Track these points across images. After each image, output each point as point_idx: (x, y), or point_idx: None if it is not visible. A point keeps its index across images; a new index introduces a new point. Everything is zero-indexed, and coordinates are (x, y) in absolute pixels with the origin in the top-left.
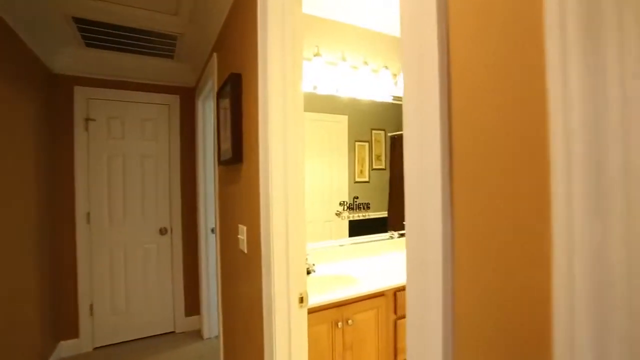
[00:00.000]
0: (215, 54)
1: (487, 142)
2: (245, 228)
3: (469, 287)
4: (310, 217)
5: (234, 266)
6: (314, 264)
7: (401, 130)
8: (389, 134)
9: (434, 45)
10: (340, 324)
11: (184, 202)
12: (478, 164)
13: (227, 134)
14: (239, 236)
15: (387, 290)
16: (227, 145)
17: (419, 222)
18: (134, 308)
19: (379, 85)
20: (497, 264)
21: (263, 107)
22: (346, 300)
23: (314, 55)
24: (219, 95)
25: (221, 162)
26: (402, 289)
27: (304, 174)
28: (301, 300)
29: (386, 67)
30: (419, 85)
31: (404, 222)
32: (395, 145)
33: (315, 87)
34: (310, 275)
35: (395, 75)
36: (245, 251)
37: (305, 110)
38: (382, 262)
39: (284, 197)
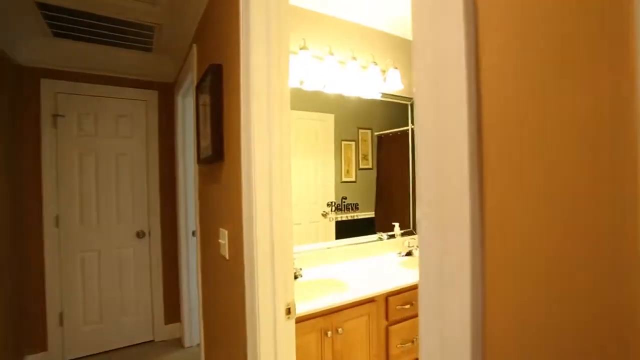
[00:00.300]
0: (194, 46)
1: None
2: (226, 232)
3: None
4: (296, 218)
5: (215, 273)
6: (300, 268)
7: (388, 129)
8: (376, 133)
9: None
10: (329, 333)
11: (163, 203)
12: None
13: (206, 130)
14: (219, 240)
15: (378, 296)
16: (206, 142)
17: (438, 228)
18: (109, 317)
19: (367, 81)
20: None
21: (245, 101)
22: (336, 307)
23: (300, 49)
24: (198, 88)
25: (201, 161)
26: (394, 293)
27: (290, 173)
28: (288, 311)
29: (375, 63)
30: (438, 87)
31: (393, 223)
32: (382, 145)
33: (302, 82)
34: (297, 280)
35: (384, 71)
36: (227, 257)
37: (291, 108)
38: (372, 265)
39: (268, 199)
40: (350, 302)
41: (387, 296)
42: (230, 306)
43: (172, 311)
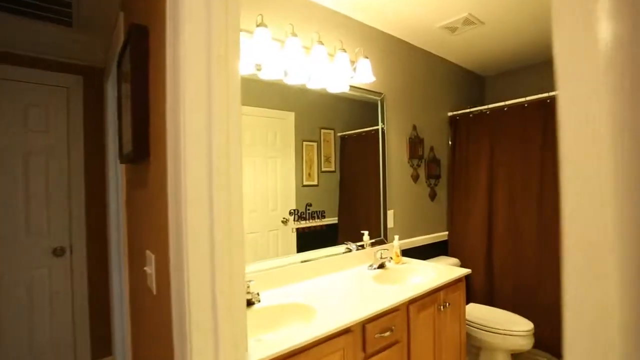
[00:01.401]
0: (121, 14)
1: None
2: (153, 257)
3: None
4: (252, 226)
5: (143, 312)
6: (257, 293)
7: (351, 129)
8: (339, 134)
9: None
10: None
11: (89, 213)
12: None
13: (127, 117)
14: (145, 268)
15: (354, 325)
16: (128, 134)
17: None
18: (16, 356)
19: (335, 71)
20: None
21: (172, 74)
22: (304, 345)
23: (258, 26)
24: (120, 63)
25: (124, 159)
26: (372, 319)
27: (241, 180)
28: None
29: (343, 50)
30: None
31: (362, 232)
32: (346, 146)
33: (258, 68)
34: (254, 306)
35: (353, 62)
36: (154, 292)
37: (247, 104)
38: (342, 282)
39: (206, 215)
40: (322, 336)
41: (364, 323)
42: None
43: (102, 344)
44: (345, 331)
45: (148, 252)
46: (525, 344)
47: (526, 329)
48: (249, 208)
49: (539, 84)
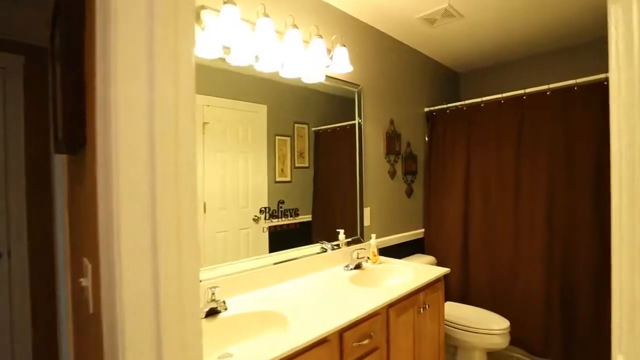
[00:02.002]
0: None
1: None
2: (90, 267)
3: None
4: (221, 225)
5: (86, 334)
6: (224, 301)
7: (326, 124)
8: (313, 129)
9: None
10: None
11: (31, 211)
12: None
13: (59, 97)
14: (81, 280)
15: (330, 334)
16: (61, 117)
17: None
18: None
19: (310, 59)
20: None
21: (102, 36)
22: None
23: (225, 3)
24: (52, 36)
25: (58, 148)
26: (350, 327)
27: (195, 177)
28: None
29: (320, 36)
30: None
31: (338, 230)
32: (320, 141)
33: (227, 51)
34: (220, 315)
35: (329, 50)
36: (91, 309)
37: (215, 94)
38: (317, 285)
39: (146, 211)
40: (296, 349)
41: (342, 332)
42: None
43: None
44: (322, 341)
45: (85, 260)
46: (501, 342)
47: (502, 327)
48: (218, 206)
49: (514, 82)
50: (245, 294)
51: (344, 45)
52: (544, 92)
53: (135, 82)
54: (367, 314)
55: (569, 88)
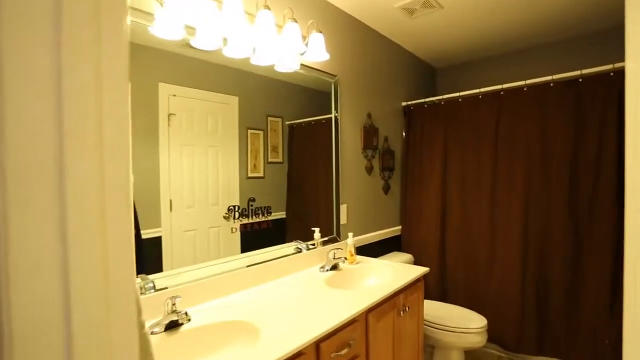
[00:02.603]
0: None
1: None
2: None
3: None
4: (188, 224)
5: None
6: (186, 312)
7: (300, 118)
8: (287, 123)
9: None
10: None
11: None
12: None
13: None
14: None
15: (306, 347)
16: None
17: None
18: None
19: (284, 45)
20: None
21: None
22: None
23: None
24: None
25: None
26: (327, 336)
27: (129, 167)
28: None
29: (294, 20)
30: None
31: (313, 229)
32: (294, 136)
33: (191, 32)
34: (182, 328)
35: (304, 37)
36: None
37: (181, 83)
38: (291, 289)
39: (49, 198)
40: None
41: (319, 342)
42: None
43: None
44: (297, 355)
45: None
46: (479, 340)
47: (480, 325)
48: (186, 203)
49: (490, 79)
50: (214, 301)
51: (320, 32)
52: (521, 87)
53: (36, 48)
54: (345, 321)
55: (546, 84)
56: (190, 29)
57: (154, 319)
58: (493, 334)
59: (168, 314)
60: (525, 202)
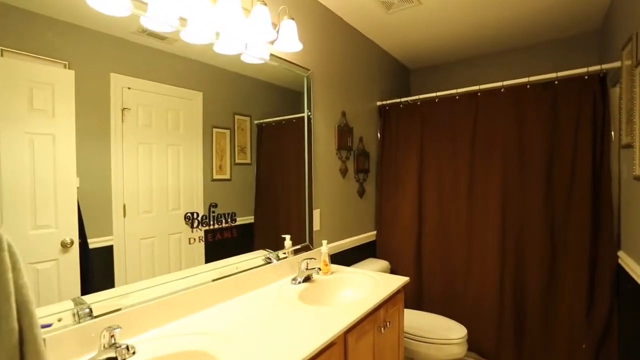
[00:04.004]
0: None
1: None
2: None
3: None
4: (145, 231)
5: None
6: (127, 346)
7: (270, 117)
8: (256, 122)
9: None
10: None
11: None
12: None
13: None
14: None
15: None
16: None
17: None
18: None
19: (251, 30)
20: None
21: None
22: None
23: None
24: None
25: None
26: None
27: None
28: None
29: (263, 3)
30: None
31: (283, 236)
32: (263, 136)
33: (141, 7)
34: None
35: (275, 25)
36: None
37: (138, 75)
38: (260, 306)
39: None
40: None
41: None
42: None
43: None
44: None
45: None
46: (460, 351)
47: (461, 335)
48: (142, 208)
49: (464, 82)
50: (170, 324)
51: (293, 19)
52: (498, 89)
53: None
54: (321, 347)
55: (522, 86)
56: (142, 3)
57: (87, 355)
58: (471, 342)
59: (104, 348)
60: (502, 205)
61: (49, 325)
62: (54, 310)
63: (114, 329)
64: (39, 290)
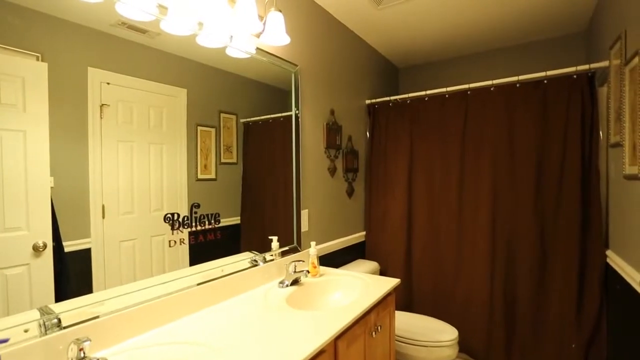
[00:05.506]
0: None
1: None
2: None
3: None
4: (125, 233)
5: None
6: (98, 359)
7: (257, 115)
8: (242, 120)
9: None
10: None
11: None
12: None
13: None
14: None
15: None
16: None
17: None
18: None
19: (236, 20)
20: None
21: None
22: None
23: None
24: None
25: None
26: None
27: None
28: None
29: None
30: None
31: (270, 237)
32: (250, 135)
33: None
34: None
35: (261, 17)
36: None
37: (118, 70)
38: (248, 312)
39: None
40: None
41: None
42: None
43: None
44: None
45: None
46: (451, 354)
47: (452, 337)
48: (123, 209)
49: (453, 81)
50: (150, 332)
51: (280, 11)
52: (487, 87)
53: None
54: (310, 356)
55: (512, 85)
56: None
57: None
58: (461, 342)
59: None
60: (492, 205)
61: (5, 341)
62: (18, 321)
63: (83, 341)
64: (7, 298)
